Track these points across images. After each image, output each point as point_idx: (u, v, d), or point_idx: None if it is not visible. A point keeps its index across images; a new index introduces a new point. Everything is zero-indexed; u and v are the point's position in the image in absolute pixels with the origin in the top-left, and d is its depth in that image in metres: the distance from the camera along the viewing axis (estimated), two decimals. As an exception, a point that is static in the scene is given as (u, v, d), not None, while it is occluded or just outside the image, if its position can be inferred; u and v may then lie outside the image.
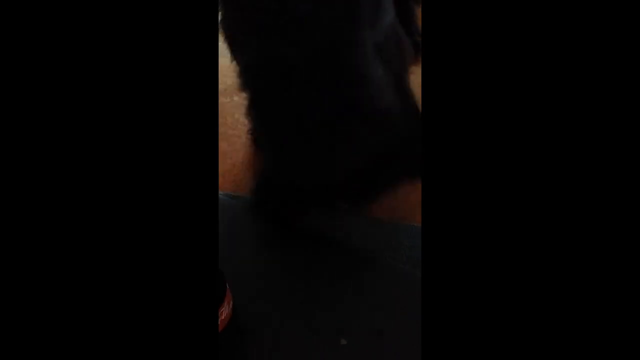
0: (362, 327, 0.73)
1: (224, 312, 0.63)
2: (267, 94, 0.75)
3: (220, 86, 1.05)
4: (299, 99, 0.70)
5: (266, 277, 0.81)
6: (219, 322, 0.62)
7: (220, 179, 0.95)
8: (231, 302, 0.65)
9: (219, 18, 0.75)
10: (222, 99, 1.09)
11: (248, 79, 0.78)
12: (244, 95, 0.80)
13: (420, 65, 0.69)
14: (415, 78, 0.83)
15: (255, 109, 0.79)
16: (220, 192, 0.93)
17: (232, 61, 0.80)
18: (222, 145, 1.00)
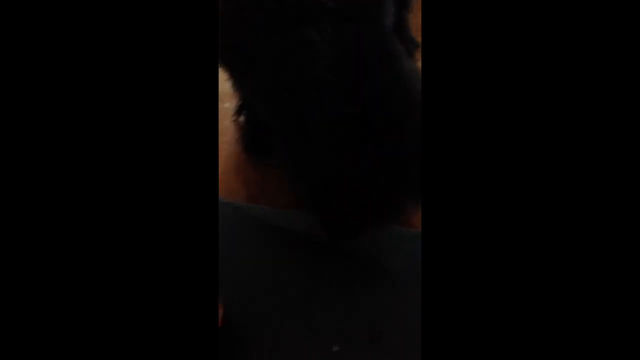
0: (362, 330, 0.73)
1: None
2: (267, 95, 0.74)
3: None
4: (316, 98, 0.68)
5: (265, 280, 0.80)
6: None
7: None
8: (222, 310, 0.64)
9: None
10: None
11: (240, 82, 0.77)
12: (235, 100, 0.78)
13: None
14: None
15: (250, 112, 0.77)
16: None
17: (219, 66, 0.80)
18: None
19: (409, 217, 0.81)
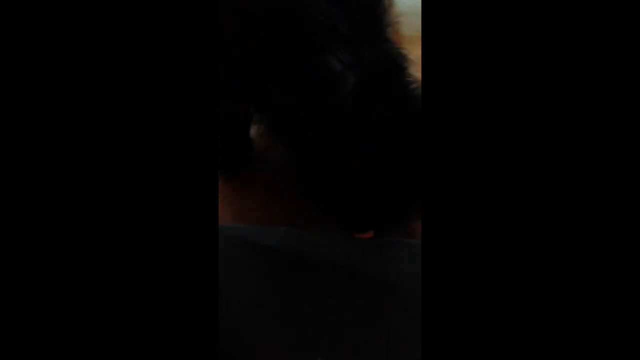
0: (356, 340, 0.72)
1: None
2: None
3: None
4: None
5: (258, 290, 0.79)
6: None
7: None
8: None
9: None
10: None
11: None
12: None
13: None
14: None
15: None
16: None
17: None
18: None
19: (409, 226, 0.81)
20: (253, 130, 0.92)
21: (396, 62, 0.69)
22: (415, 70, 0.71)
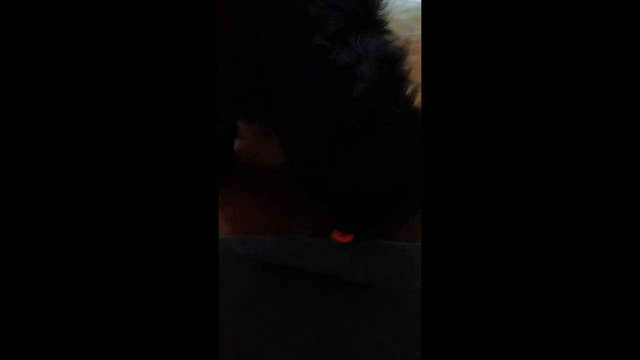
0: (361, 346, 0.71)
1: None
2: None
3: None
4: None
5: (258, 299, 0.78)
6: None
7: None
8: None
9: None
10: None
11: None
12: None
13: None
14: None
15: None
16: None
17: None
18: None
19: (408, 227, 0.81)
20: (250, 131, 0.93)
21: (396, 55, 0.70)
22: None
